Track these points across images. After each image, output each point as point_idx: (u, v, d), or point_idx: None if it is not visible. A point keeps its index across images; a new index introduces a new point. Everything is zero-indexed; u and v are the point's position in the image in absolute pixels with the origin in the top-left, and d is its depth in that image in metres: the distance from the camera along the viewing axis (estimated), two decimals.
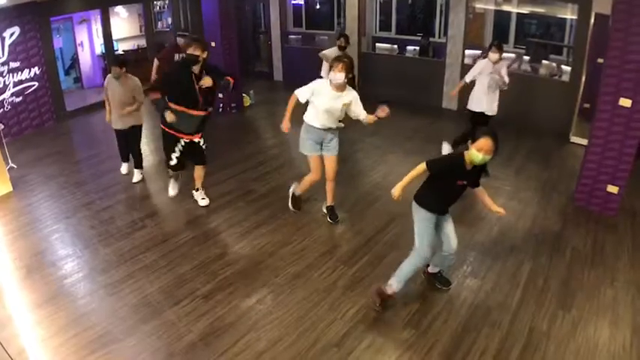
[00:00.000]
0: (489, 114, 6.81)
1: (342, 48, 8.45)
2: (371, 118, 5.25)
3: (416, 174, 4.12)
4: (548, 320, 4.22)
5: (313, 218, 5.88)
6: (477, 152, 3.87)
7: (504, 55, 6.82)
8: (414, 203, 4.29)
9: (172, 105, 5.39)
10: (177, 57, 8.16)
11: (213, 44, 9.34)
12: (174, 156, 5.80)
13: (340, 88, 5.14)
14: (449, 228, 4.30)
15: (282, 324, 4.21)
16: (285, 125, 5.38)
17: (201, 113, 5.58)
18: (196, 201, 6.26)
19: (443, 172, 4.11)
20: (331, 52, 8.40)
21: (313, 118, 5.31)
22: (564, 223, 5.80)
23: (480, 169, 4.18)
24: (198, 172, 6.12)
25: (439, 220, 4.28)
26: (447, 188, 4.15)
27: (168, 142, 5.79)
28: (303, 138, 5.49)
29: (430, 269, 4.67)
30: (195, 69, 5.38)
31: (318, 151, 5.50)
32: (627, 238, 5.49)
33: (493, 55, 6.57)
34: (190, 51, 5.34)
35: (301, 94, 5.25)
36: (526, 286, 4.66)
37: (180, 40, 8.26)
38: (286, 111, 5.37)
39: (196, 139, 5.77)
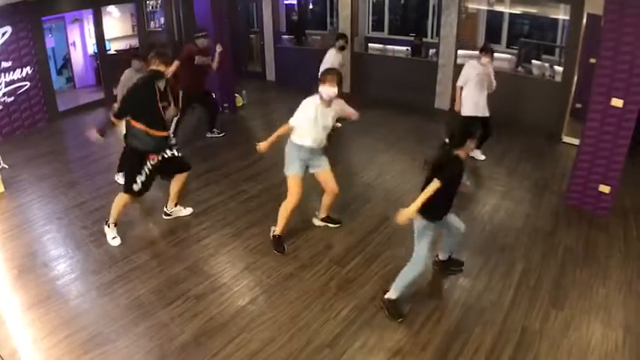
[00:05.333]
0: (485, 114, 7.01)
1: (342, 49, 8.27)
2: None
3: (432, 191, 3.87)
4: (541, 319, 4.24)
5: (305, 219, 5.86)
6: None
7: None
8: (419, 219, 4.10)
9: (135, 124, 5.01)
10: (197, 60, 7.64)
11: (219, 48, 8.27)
12: (139, 180, 5.17)
13: (330, 102, 4.86)
14: (451, 217, 4.39)
15: (275, 324, 4.21)
16: (264, 146, 4.91)
17: (164, 134, 5.22)
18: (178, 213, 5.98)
19: (453, 178, 3.99)
20: (333, 58, 8.12)
21: (305, 136, 4.90)
22: (556, 222, 5.82)
23: None
24: (178, 183, 5.68)
25: (444, 220, 4.29)
26: (452, 189, 4.08)
27: (132, 163, 5.21)
28: (292, 157, 5.04)
29: (441, 257, 4.84)
30: (160, 85, 5.03)
31: (303, 172, 5.12)
32: (619, 237, 5.51)
33: (484, 59, 6.84)
34: (153, 67, 5.00)
35: (295, 122, 4.87)
36: (518, 286, 4.67)
37: (202, 42, 7.74)
38: (274, 134, 4.91)
39: (168, 154, 5.33)
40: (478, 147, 7.18)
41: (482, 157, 7.44)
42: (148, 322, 4.25)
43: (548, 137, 8.43)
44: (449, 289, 4.66)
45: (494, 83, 6.99)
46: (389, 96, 10.59)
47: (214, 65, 7.95)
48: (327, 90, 4.71)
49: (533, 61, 9.40)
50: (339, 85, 4.75)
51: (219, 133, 8.72)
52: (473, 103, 6.96)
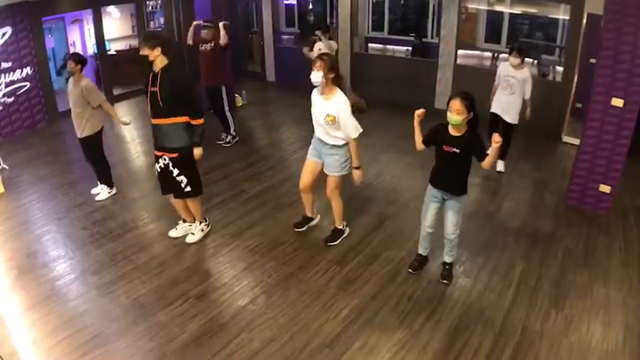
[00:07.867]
0: (506, 119, 6.74)
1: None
2: (353, 149, 4.82)
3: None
4: (541, 319, 4.24)
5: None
6: (448, 113, 4.05)
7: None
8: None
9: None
10: (202, 47, 7.77)
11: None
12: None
13: (325, 92, 4.67)
14: (448, 213, 4.47)
15: (275, 324, 4.20)
16: None
17: (161, 122, 4.78)
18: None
19: (430, 139, 4.38)
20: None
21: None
22: (557, 222, 5.82)
23: (472, 140, 4.13)
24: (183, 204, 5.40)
25: (445, 202, 4.47)
26: (438, 157, 4.35)
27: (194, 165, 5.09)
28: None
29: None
30: (155, 68, 4.69)
31: (313, 158, 5.12)
32: (619, 237, 5.51)
33: (514, 60, 6.56)
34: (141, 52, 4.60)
35: None
36: (519, 286, 4.67)
37: (203, 32, 7.75)
38: None
39: (166, 158, 4.96)
40: (501, 157, 7.01)
41: (501, 169, 7.18)
42: (148, 322, 4.24)
43: (549, 137, 8.41)
44: (449, 289, 4.65)
45: (528, 90, 6.63)
46: (388, 96, 10.58)
47: (222, 41, 7.71)
48: (312, 75, 4.62)
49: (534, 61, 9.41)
50: (327, 70, 4.53)
51: (231, 138, 8.45)
52: (496, 100, 6.81)
